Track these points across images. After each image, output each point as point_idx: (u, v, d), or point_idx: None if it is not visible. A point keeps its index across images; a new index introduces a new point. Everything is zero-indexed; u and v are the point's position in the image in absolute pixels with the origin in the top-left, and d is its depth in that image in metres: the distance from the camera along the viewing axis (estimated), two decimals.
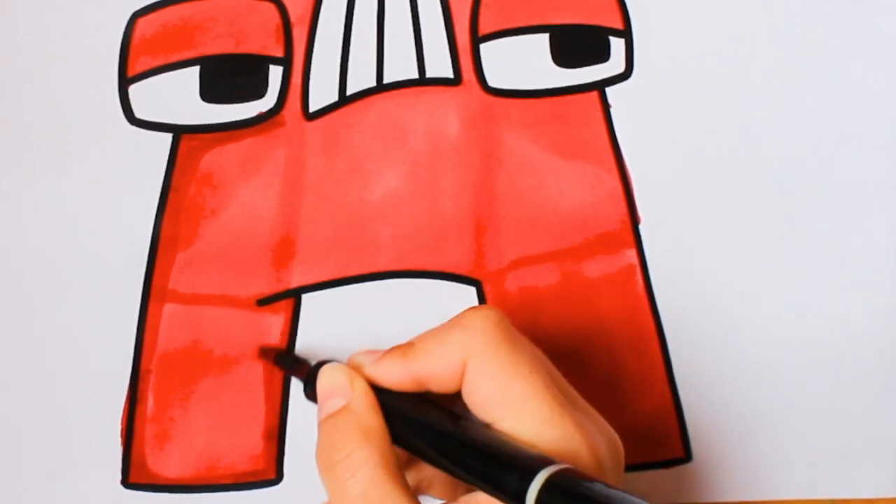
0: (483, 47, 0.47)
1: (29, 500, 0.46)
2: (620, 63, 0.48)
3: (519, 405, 0.36)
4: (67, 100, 0.47)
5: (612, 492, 0.32)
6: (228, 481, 0.46)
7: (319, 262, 0.47)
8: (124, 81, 0.47)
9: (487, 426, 0.37)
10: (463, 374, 0.37)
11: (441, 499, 0.41)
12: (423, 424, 0.37)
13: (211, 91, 0.47)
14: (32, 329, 0.46)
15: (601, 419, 0.39)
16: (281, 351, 0.46)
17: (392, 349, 0.39)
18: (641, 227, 0.47)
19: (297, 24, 0.47)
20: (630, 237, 0.47)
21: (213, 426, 0.46)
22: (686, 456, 0.48)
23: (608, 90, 0.47)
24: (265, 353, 0.46)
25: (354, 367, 0.39)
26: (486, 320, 0.38)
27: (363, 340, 0.46)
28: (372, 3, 0.47)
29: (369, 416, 0.38)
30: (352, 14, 0.47)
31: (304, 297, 0.47)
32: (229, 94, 0.47)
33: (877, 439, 0.48)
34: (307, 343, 0.46)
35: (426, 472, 0.41)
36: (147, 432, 0.46)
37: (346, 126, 0.47)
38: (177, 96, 0.47)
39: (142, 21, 0.47)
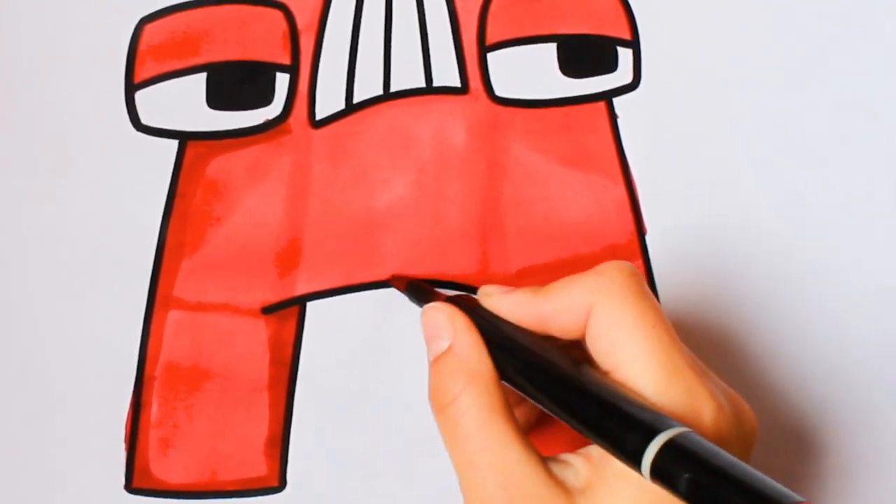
0: (490, 56, 0.47)
1: None
2: (628, 73, 0.48)
3: (644, 356, 0.35)
4: (73, 105, 0.47)
5: (738, 463, 0.31)
6: (231, 488, 0.46)
7: (325, 269, 0.47)
8: (131, 87, 0.47)
9: (606, 374, 0.36)
10: (588, 318, 0.37)
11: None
12: (539, 365, 0.37)
13: (217, 98, 0.47)
14: (37, 334, 0.46)
15: (732, 391, 0.38)
16: (414, 280, 0.46)
17: (523, 287, 0.39)
18: (648, 237, 0.47)
19: (304, 31, 0.47)
20: (636, 248, 0.47)
21: (217, 433, 0.46)
22: None
23: (615, 100, 0.47)
24: (397, 280, 0.46)
25: (482, 297, 0.39)
26: (621, 270, 0.37)
27: (368, 349, 0.46)
28: (379, 12, 0.47)
29: (473, 356, 0.37)
30: (359, 22, 0.47)
31: (310, 304, 0.47)
32: (236, 101, 0.47)
33: (872, 451, 0.48)
34: (312, 351, 0.46)
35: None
36: (151, 438, 0.46)
37: (353, 134, 0.47)
38: (183, 103, 0.47)
39: (149, 27, 0.47)
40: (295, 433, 0.46)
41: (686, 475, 0.31)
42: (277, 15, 0.47)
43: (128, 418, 0.46)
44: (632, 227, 0.47)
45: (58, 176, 0.47)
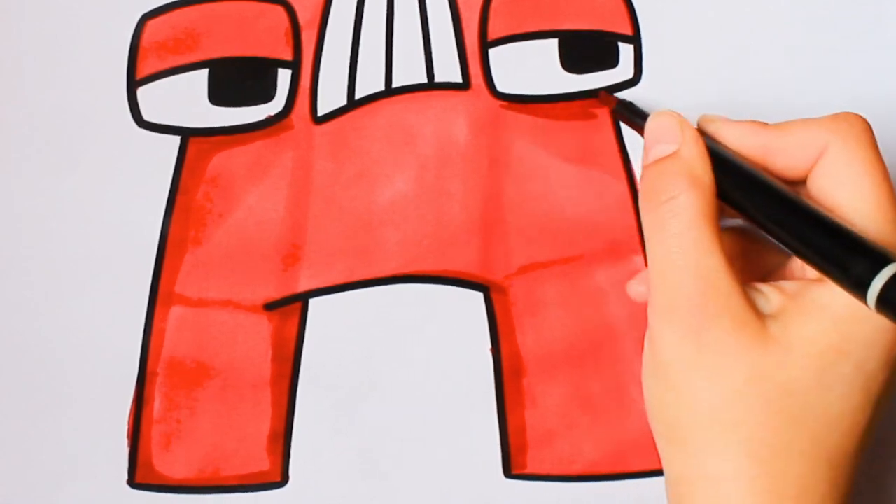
0: (492, 52, 0.47)
1: (36, 499, 0.46)
2: (629, 69, 0.48)
3: (870, 202, 0.36)
4: (76, 102, 0.47)
5: None
6: (234, 483, 0.46)
7: (327, 266, 0.47)
8: (133, 84, 0.47)
9: (831, 211, 0.37)
10: (819, 158, 0.37)
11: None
12: (766, 185, 0.37)
13: (219, 94, 0.47)
14: (40, 330, 0.46)
15: None
16: (623, 101, 0.46)
17: (750, 121, 0.39)
18: None
19: (305, 27, 0.47)
20: (638, 244, 0.47)
21: (220, 428, 0.46)
22: None
23: (617, 96, 0.47)
24: (605, 98, 0.46)
25: (703, 123, 0.40)
26: (860, 120, 0.38)
27: (371, 345, 0.46)
28: (381, 7, 0.47)
29: (699, 163, 0.38)
30: (361, 18, 0.47)
31: (312, 301, 0.47)
32: (238, 97, 0.47)
33: None
34: (314, 348, 0.46)
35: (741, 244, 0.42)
36: (153, 433, 0.46)
37: (355, 130, 0.47)
38: (185, 99, 0.47)
39: (151, 24, 0.47)
40: (297, 429, 0.46)
41: None
42: (279, 11, 0.47)
43: (131, 414, 0.46)
44: (633, 222, 0.47)
45: (60, 172, 0.47)
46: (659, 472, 0.47)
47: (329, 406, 0.46)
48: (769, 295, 0.37)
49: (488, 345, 0.47)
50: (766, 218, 0.37)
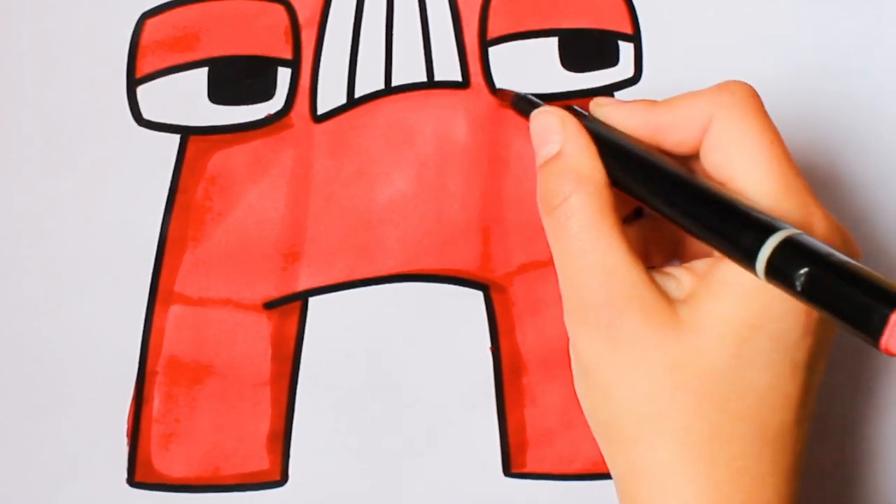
0: (492, 51, 0.47)
1: (35, 498, 0.46)
2: (629, 68, 0.48)
3: (762, 168, 0.36)
4: (75, 100, 0.47)
5: (854, 262, 0.31)
6: (233, 482, 0.46)
7: (327, 264, 0.47)
8: (132, 82, 0.47)
9: (722, 185, 0.36)
10: (705, 131, 0.37)
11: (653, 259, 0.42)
12: (653, 167, 0.37)
13: (219, 92, 0.47)
14: (40, 329, 0.46)
15: (839, 222, 0.38)
16: (519, 94, 0.45)
17: (637, 100, 0.39)
18: None
19: (305, 26, 0.47)
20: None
21: (219, 427, 0.46)
22: None
23: (617, 94, 0.47)
24: (501, 93, 0.46)
25: (594, 107, 0.40)
26: (743, 86, 0.37)
27: (371, 344, 0.46)
28: (381, 6, 0.47)
29: (584, 158, 0.38)
30: (360, 16, 0.47)
31: (311, 300, 0.47)
32: (237, 95, 0.47)
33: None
34: (314, 346, 0.46)
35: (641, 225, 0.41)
36: (153, 432, 0.46)
37: (354, 128, 0.47)
38: (185, 98, 0.47)
39: (150, 22, 0.47)
40: (297, 428, 0.46)
41: (803, 271, 0.31)
42: (279, 9, 0.47)
43: (130, 413, 0.46)
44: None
45: (60, 171, 0.47)
46: None
47: (329, 405, 0.46)
48: (680, 278, 0.37)
49: (488, 343, 0.47)
50: (656, 200, 0.37)
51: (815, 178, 0.48)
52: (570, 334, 0.38)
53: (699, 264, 0.37)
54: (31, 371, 0.46)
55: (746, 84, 0.38)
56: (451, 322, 0.46)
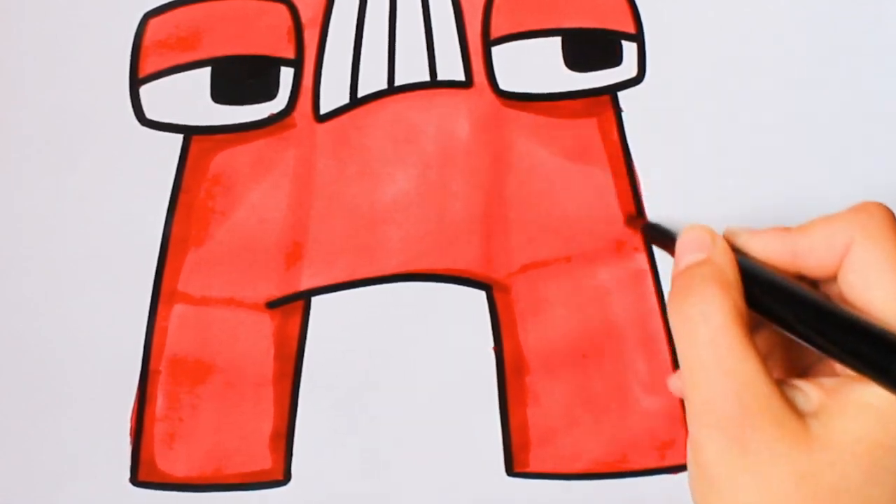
0: (495, 50, 0.47)
1: (39, 496, 0.46)
2: (632, 67, 0.47)
3: None
4: (78, 100, 0.47)
5: None
6: (236, 481, 0.46)
7: (329, 264, 0.47)
8: (135, 82, 0.47)
9: (859, 309, 0.36)
10: (845, 255, 0.37)
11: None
12: (792, 292, 0.37)
13: (222, 92, 0.47)
14: (42, 329, 0.46)
15: None
16: (648, 222, 0.46)
17: (771, 227, 0.39)
18: None
19: (308, 25, 0.47)
20: (640, 242, 0.47)
21: (222, 426, 0.46)
22: None
23: (620, 94, 0.47)
24: (632, 220, 0.47)
25: (728, 236, 0.40)
26: (882, 208, 0.37)
27: (373, 343, 0.46)
28: (383, 6, 0.47)
29: (729, 269, 0.38)
30: (363, 16, 0.47)
31: (314, 299, 0.47)
32: (240, 95, 0.47)
33: None
34: (316, 346, 0.46)
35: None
36: (156, 431, 0.46)
37: (357, 128, 0.47)
38: (188, 97, 0.47)
39: (153, 22, 0.47)
40: (300, 427, 0.47)
41: None
42: (282, 9, 0.47)
43: (133, 412, 0.46)
44: None
45: (63, 170, 0.47)
46: (660, 471, 0.47)
47: (331, 404, 0.46)
48: (808, 392, 0.37)
49: (491, 343, 0.47)
50: (799, 326, 0.37)
51: (811, 177, 0.48)
52: (694, 435, 0.37)
53: (828, 381, 0.37)
54: (35, 371, 0.46)
55: (884, 205, 0.38)
56: (453, 322, 0.47)
